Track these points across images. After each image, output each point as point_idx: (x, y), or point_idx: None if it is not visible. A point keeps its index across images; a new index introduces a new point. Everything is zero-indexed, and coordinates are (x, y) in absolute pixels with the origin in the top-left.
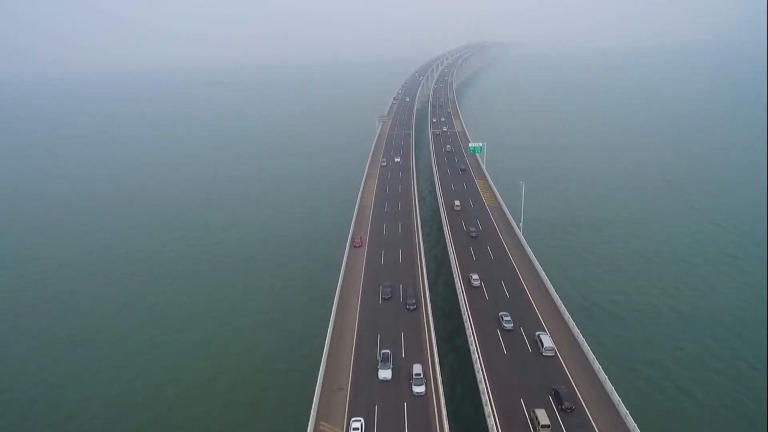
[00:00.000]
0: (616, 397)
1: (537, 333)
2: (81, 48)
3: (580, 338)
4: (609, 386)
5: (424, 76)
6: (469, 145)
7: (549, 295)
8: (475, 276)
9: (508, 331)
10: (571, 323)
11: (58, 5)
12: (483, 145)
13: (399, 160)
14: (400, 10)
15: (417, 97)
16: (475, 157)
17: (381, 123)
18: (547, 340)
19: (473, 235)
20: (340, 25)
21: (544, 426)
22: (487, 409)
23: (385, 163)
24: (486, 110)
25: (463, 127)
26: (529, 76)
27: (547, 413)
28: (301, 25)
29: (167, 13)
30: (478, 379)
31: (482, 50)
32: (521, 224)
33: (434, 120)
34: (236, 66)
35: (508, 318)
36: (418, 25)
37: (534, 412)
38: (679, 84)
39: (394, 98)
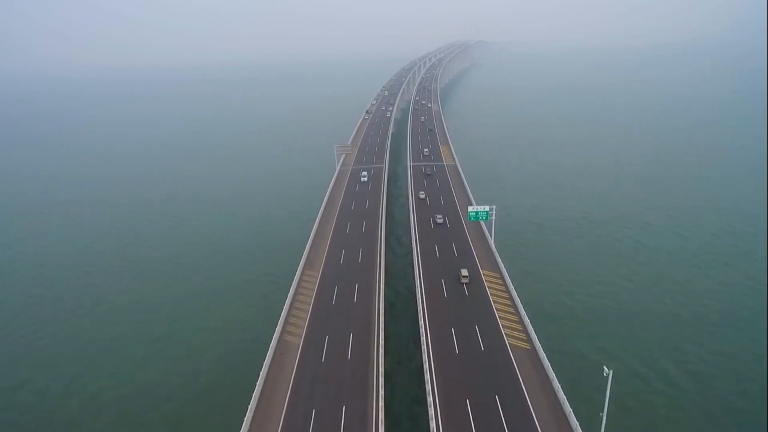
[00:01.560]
0: None
1: None
2: (79, 43)
3: None
4: None
5: (393, 106)
6: (469, 209)
7: None
8: None
9: None
10: None
11: (57, 3)
12: (491, 209)
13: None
14: (380, 8)
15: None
16: (480, 227)
17: (342, 156)
18: None
19: None
20: (319, 23)
21: (464, 276)
22: None
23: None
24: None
25: (453, 158)
26: (527, 80)
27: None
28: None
29: (171, 11)
30: None
31: (466, 50)
32: (603, 415)
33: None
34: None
35: None
36: (396, 22)
37: (460, 271)
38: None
39: (367, 111)
